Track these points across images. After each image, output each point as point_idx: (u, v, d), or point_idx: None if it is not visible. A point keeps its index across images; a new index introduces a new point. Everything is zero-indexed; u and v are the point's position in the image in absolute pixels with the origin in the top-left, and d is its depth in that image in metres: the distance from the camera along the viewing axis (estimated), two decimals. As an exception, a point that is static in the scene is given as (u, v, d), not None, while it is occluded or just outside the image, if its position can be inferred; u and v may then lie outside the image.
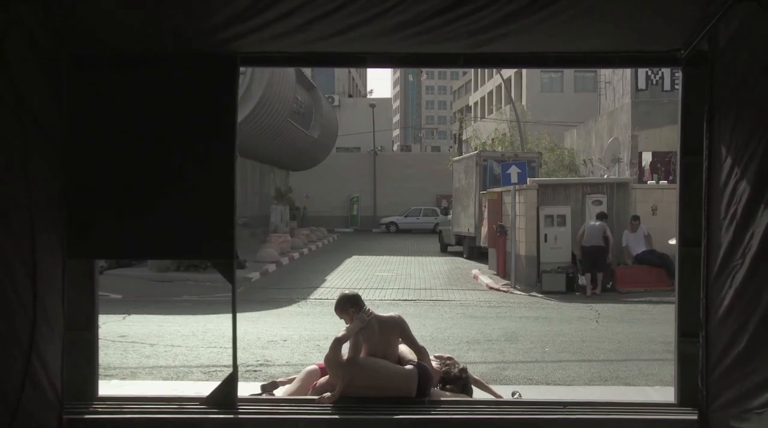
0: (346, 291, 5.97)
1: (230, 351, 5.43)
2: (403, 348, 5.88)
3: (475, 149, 32.96)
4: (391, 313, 6.03)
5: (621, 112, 32.33)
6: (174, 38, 4.96)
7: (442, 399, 5.71)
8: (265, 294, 16.51)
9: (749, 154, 4.44)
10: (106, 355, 8.71)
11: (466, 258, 25.68)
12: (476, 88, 68.59)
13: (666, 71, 31.04)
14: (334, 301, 5.96)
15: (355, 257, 26.74)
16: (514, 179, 17.28)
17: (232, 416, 5.16)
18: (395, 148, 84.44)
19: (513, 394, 6.29)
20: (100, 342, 5.68)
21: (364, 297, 5.98)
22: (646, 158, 29.41)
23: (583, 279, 16.53)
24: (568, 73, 47.82)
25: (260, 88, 23.94)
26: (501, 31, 4.82)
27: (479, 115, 62.72)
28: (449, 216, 29.49)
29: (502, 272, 18.98)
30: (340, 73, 63.43)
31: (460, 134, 56.95)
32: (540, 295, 16.18)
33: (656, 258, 16.44)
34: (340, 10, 4.49)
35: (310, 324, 12.34)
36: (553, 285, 16.32)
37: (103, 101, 5.10)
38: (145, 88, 5.12)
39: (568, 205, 17.62)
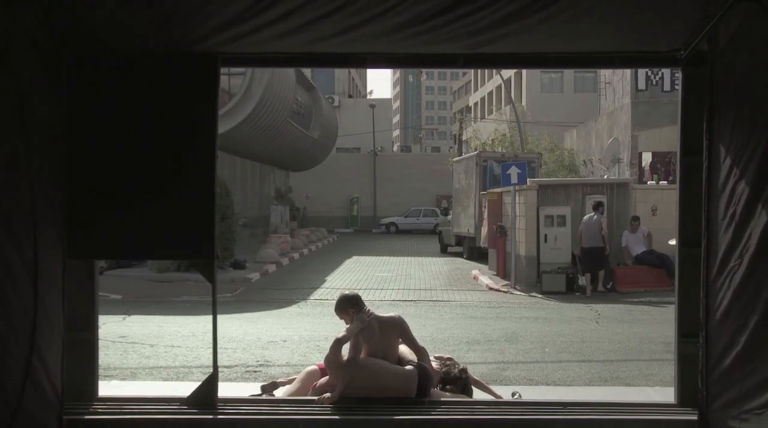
0: (347, 292, 5.97)
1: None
2: (403, 349, 5.88)
3: (475, 150, 32.96)
4: (392, 314, 6.02)
5: (621, 112, 32.34)
6: (164, 40, 4.97)
7: (442, 399, 5.70)
8: (265, 295, 16.51)
9: (748, 154, 4.44)
10: (106, 356, 8.72)
11: (466, 258, 25.68)
12: (476, 89, 68.61)
13: (666, 71, 31.05)
14: (335, 302, 5.96)
15: (355, 257, 26.74)
16: (514, 179, 17.28)
17: (211, 416, 5.15)
18: (395, 148, 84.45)
19: (513, 395, 6.29)
20: (100, 343, 5.68)
21: (364, 297, 5.98)
22: (646, 158, 29.42)
23: (583, 280, 16.54)
24: (568, 74, 47.84)
25: (260, 89, 23.96)
26: (501, 32, 4.82)
27: (479, 116, 62.73)
28: (449, 217, 29.49)
29: (502, 272, 18.98)
30: (340, 74, 63.44)
31: (460, 135, 56.96)
32: (540, 296, 16.18)
33: (656, 259, 16.44)
34: (340, 11, 4.49)
35: (310, 325, 12.34)
36: (553, 285, 16.32)
37: (100, 102, 5.11)
38: (134, 89, 5.15)
39: (568, 206, 17.62)
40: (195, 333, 11.36)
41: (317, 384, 5.77)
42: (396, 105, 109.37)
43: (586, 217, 16.48)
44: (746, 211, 4.45)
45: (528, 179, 17.88)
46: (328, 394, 5.49)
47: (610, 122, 33.52)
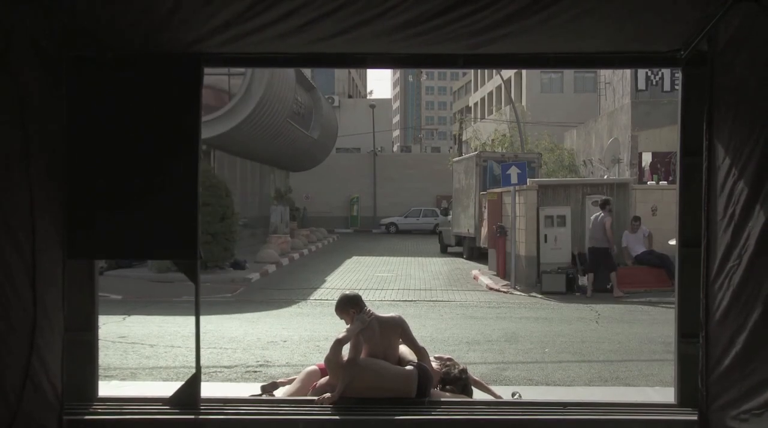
0: (347, 292, 5.97)
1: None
2: (403, 349, 5.88)
3: (475, 150, 32.97)
4: (392, 314, 6.02)
5: (621, 112, 32.34)
6: (162, 40, 4.97)
7: (442, 399, 5.71)
8: (265, 295, 16.51)
9: (747, 154, 4.44)
10: (106, 356, 8.72)
11: (466, 258, 25.68)
12: (476, 89, 68.62)
13: (666, 72, 31.06)
14: (335, 302, 5.96)
15: (355, 258, 26.74)
16: (514, 180, 17.28)
17: (192, 417, 5.16)
18: (395, 148, 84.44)
19: (513, 395, 6.29)
20: (100, 343, 5.69)
21: (364, 297, 5.98)
22: (646, 158, 29.41)
23: (583, 280, 16.54)
24: (568, 74, 47.85)
25: (260, 89, 23.96)
26: (501, 32, 4.82)
27: (479, 116, 62.73)
28: (449, 217, 29.49)
29: (502, 273, 18.98)
30: (340, 74, 63.45)
31: (460, 135, 56.97)
32: (540, 296, 16.18)
33: (656, 259, 16.44)
34: (340, 11, 4.49)
35: (310, 325, 12.34)
36: (553, 285, 16.31)
37: (100, 102, 5.12)
38: (125, 89, 5.17)
39: (568, 206, 17.62)
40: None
41: (317, 385, 5.77)
42: (396, 105, 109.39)
43: (593, 216, 16.44)
44: (745, 210, 4.46)
45: (528, 179, 17.88)
46: (328, 394, 5.49)
47: (610, 122, 33.53)
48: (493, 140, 39.96)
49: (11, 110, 4.22)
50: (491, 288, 17.69)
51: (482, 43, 5.07)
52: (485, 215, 22.04)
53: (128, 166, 5.15)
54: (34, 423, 4.46)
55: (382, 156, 53.28)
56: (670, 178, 22.78)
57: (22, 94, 4.30)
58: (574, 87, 49.03)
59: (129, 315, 13.08)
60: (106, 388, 5.85)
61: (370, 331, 5.66)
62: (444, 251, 29.40)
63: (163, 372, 8.91)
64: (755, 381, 4.37)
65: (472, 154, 28.16)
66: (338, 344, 5.61)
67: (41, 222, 4.50)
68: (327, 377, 5.76)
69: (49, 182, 4.76)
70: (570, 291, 16.22)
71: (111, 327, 11.34)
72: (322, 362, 5.91)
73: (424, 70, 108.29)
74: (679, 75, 5.53)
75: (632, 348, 10.65)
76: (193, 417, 5.15)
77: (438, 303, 15.37)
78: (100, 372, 5.74)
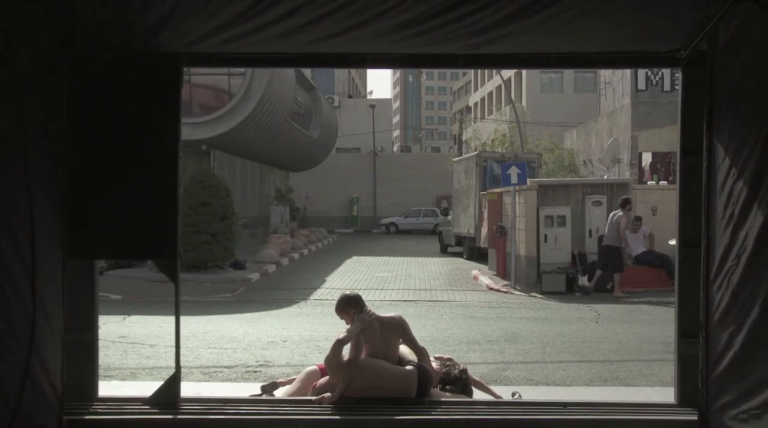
0: (347, 292, 5.97)
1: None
2: (403, 349, 5.88)
3: (475, 150, 32.97)
4: (392, 314, 6.03)
5: (621, 112, 32.35)
6: (160, 40, 4.97)
7: (442, 399, 5.71)
8: (265, 295, 16.51)
9: (747, 154, 4.44)
10: (106, 356, 8.72)
11: (466, 258, 25.68)
12: (476, 89, 68.62)
13: (666, 72, 31.06)
14: (335, 302, 5.96)
15: (355, 258, 26.74)
16: (514, 180, 17.28)
17: (172, 416, 5.15)
18: (395, 148, 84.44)
19: (513, 395, 6.29)
20: (100, 343, 5.69)
21: (364, 297, 5.98)
22: (646, 159, 29.42)
23: (583, 280, 16.55)
24: (568, 74, 47.86)
25: (260, 89, 23.97)
26: (501, 32, 4.83)
27: (479, 116, 62.73)
28: (449, 217, 29.50)
29: (502, 273, 18.98)
30: (340, 74, 63.46)
31: (460, 135, 56.98)
32: (540, 296, 16.17)
33: (656, 259, 16.43)
34: (340, 11, 4.49)
35: (310, 325, 12.34)
36: (553, 285, 16.31)
37: (99, 101, 5.12)
38: (124, 89, 5.18)
39: (568, 206, 17.62)
40: (195, 333, 11.35)
41: (317, 384, 5.77)
42: (396, 105, 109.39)
43: (611, 214, 16.33)
44: (744, 210, 4.46)
45: (528, 179, 17.88)
46: (328, 394, 5.49)
47: (610, 122, 33.53)
48: (493, 140, 39.96)
49: (11, 110, 4.22)
50: (491, 288, 17.69)
51: (482, 43, 5.07)
52: (485, 215, 22.04)
53: (126, 166, 5.16)
54: (34, 423, 4.46)
55: (382, 156, 53.28)
56: (670, 178, 22.78)
57: (21, 93, 4.30)
58: (574, 87, 49.03)
59: (129, 315, 13.09)
60: (106, 388, 5.85)
61: (371, 331, 5.66)
62: (444, 251, 29.41)
63: (163, 372, 8.91)
64: (754, 381, 4.37)
65: (472, 154, 28.16)
66: (339, 344, 5.61)
67: (41, 223, 4.50)
68: (327, 377, 5.76)
69: (49, 182, 4.76)
70: (570, 291, 16.22)
71: (111, 327, 11.34)
72: (322, 362, 5.91)
73: (424, 70, 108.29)
74: (679, 75, 5.53)
75: (632, 348, 10.64)
76: (171, 417, 5.15)
77: (438, 303, 15.37)
78: (100, 372, 5.74)
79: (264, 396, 5.93)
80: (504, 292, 16.93)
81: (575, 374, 8.91)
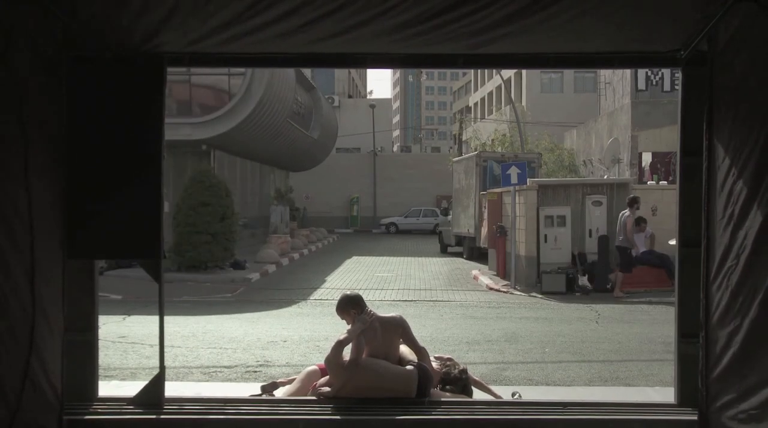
0: (348, 292, 5.96)
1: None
2: (404, 349, 5.88)
3: (475, 150, 32.97)
4: (392, 314, 6.02)
5: (621, 112, 32.35)
6: (159, 40, 4.98)
7: (442, 399, 5.71)
8: (265, 295, 16.51)
9: (746, 154, 4.44)
10: (106, 356, 8.72)
11: (466, 258, 25.68)
12: (476, 89, 68.62)
13: (666, 72, 31.06)
14: (335, 302, 5.95)
15: (355, 258, 26.74)
16: (514, 180, 17.28)
17: (154, 416, 5.16)
18: (395, 148, 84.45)
19: (513, 395, 6.29)
20: (100, 343, 5.69)
21: (364, 297, 5.97)
22: (646, 158, 29.42)
23: (583, 280, 16.56)
24: (568, 74, 47.86)
25: (260, 89, 23.97)
26: (501, 32, 4.82)
27: (479, 116, 62.74)
28: (449, 217, 29.50)
29: (502, 273, 18.98)
30: (340, 74, 63.46)
31: (460, 135, 56.97)
32: (540, 296, 16.17)
33: (656, 259, 16.42)
34: (340, 11, 4.49)
35: (310, 325, 12.34)
36: (553, 285, 16.31)
37: (97, 101, 5.13)
38: (124, 89, 5.19)
39: (568, 206, 17.62)
40: (195, 333, 11.36)
41: (317, 384, 5.77)
42: (396, 105, 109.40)
43: (620, 214, 16.24)
44: (743, 210, 4.46)
45: (528, 179, 17.88)
46: (326, 388, 5.50)
47: (610, 122, 33.53)
48: (493, 140, 39.98)
49: (10, 110, 4.22)
50: (491, 288, 17.69)
51: (482, 43, 5.07)
52: (485, 215, 22.04)
53: (120, 166, 5.17)
54: (34, 423, 4.46)
55: (382, 156, 53.28)
56: (670, 178, 22.78)
57: (21, 93, 4.30)
58: (574, 87, 49.04)
59: (129, 315, 13.08)
60: (106, 388, 5.85)
61: (372, 332, 5.66)
62: (444, 251, 29.41)
63: (163, 372, 8.91)
64: (752, 381, 4.38)
65: (472, 154, 28.16)
66: (340, 345, 5.61)
67: (40, 222, 4.50)
68: (327, 377, 5.76)
69: (49, 182, 4.76)
70: (570, 291, 16.22)
71: (111, 327, 11.34)
72: (322, 362, 5.91)
73: (424, 70, 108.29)
74: (679, 75, 5.53)
75: (632, 348, 10.64)
76: (154, 417, 5.15)
77: (438, 303, 15.37)
78: (100, 371, 5.74)
79: (264, 396, 5.93)
80: (504, 292, 16.93)
81: (575, 374, 8.91)
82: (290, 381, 6.16)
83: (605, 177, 25.86)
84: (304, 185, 43.84)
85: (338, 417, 5.29)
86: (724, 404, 4.69)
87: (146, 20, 4.69)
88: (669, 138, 25.55)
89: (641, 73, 31.62)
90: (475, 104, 67.80)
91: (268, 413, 5.30)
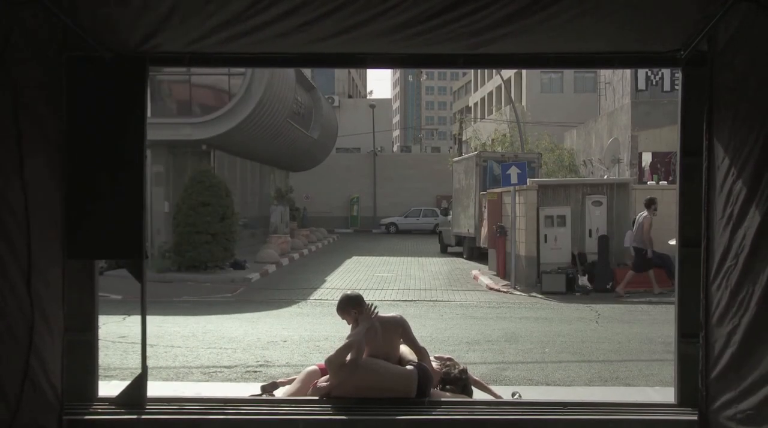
0: (348, 292, 5.96)
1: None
2: (404, 349, 5.88)
3: (475, 150, 32.98)
4: (393, 314, 6.02)
5: (621, 112, 32.35)
6: (159, 40, 4.97)
7: (442, 399, 5.70)
8: (265, 295, 16.51)
9: (746, 154, 4.44)
10: (106, 356, 8.72)
11: (466, 258, 25.68)
12: (476, 89, 68.62)
13: (666, 72, 31.07)
14: (335, 302, 5.95)
15: (355, 258, 26.74)
16: (514, 180, 17.28)
17: (135, 416, 5.16)
18: (395, 148, 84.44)
19: (513, 395, 6.29)
20: (100, 343, 5.68)
21: (364, 297, 5.97)
22: (646, 158, 29.42)
23: (583, 280, 16.55)
24: (568, 74, 47.86)
25: (260, 89, 23.95)
26: (501, 32, 4.82)
27: (479, 116, 62.74)
28: (449, 217, 29.50)
29: (502, 273, 18.98)
30: (340, 74, 63.44)
31: (460, 135, 56.98)
32: (540, 296, 16.18)
33: (656, 259, 16.41)
34: (340, 10, 4.49)
35: (310, 325, 12.34)
36: (553, 285, 16.31)
37: (96, 101, 5.14)
38: (122, 89, 5.19)
39: (568, 206, 17.62)
40: (195, 333, 11.36)
41: (317, 383, 5.77)
42: (396, 105, 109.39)
43: (637, 215, 16.16)
44: (743, 210, 4.46)
45: (528, 179, 17.88)
46: (324, 383, 5.51)
47: (610, 122, 33.53)
48: (493, 140, 39.98)
49: (9, 110, 4.22)
50: (491, 288, 17.69)
51: (482, 43, 5.06)
52: (485, 215, 22.04)
53: (112, 166, 5.18)
54: (33, 423, 4.46)
55: (382, 156, 53.27)
56: (670, 178, 22.78)
57: (20, 93, 4.29)
58: (574, 87, 49.03)
59: (129, 315, 13.08)
60: (106, 388, 5.85)
61: (373, 332, 5.66)
62: (444, 251, 29.41)
63: (163, 372, 8.91)
64: (749, 381, 4.38)
65: (472, 154, 28.16)
66: (347, 348, 5.56)
67: (38, 223, 4.49)
68: (327, 377, 5.75)
69: (48, 182, 4.75)
70: (570, 291, 16.22)
71: (111, 327, 11.34)
72: (322, 362, 5.90)
73: (424, 70, 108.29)
74: (679, 75, 5.52)
75: (632, 348, 10.65)
76: (135, 417, 5.15)
77: (438, 303, 15.37)
78: (100, 371, 5.74)
79: (264, 396, 5.93)
80: (504, 292, 16.93)
81: (575, 374, 8.91)
82: (290, 381, 6.16)
83: (605, 177, 25.86)
84: (304, 185, 43.82)
85: (338, 417, 5.29)
86: (723, 404, 4.69)
87: (146, 20, 4.69)
88: (669, 138, 25.55)
89: (641, 73, 31.62)
90: (475, 104, 67.79)
91: (268, 413, 5.30)
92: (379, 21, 4.64)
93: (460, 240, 27.40)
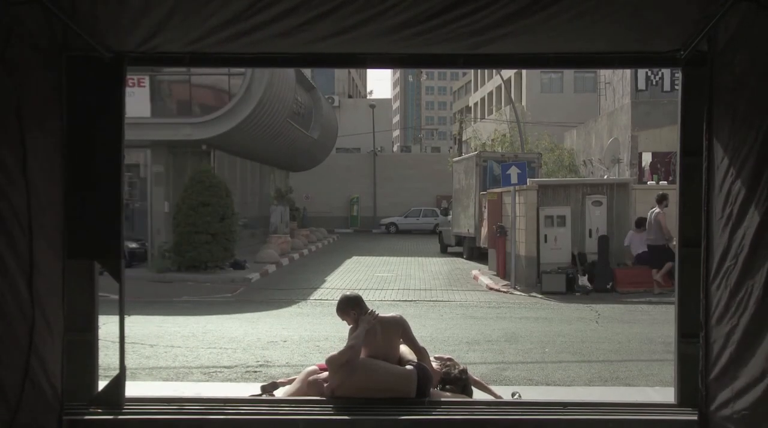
0: (347, 293, 5.96)
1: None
2: (404, 349, 5.88)
3: (475, 150, 32.98)
4: (392, 314, 6.02)
5: (621, 112, 32.35)
6: (158, 41, 4.98)
7: (441, 399, 5.70)
8: (265, 295, 16.51)
9: (745, 154, 4.44)
10: (105, 356, 8.68)
11: (466, 258, 25.68)
12: (476, 89, 68.63)
13: (666, 72, 31.07)
14: (335, 302, 5.95)
15: (355, 258, 26.74)
16: (514, 180, 17.29)
17: (112, 417, 5.16)
18: (395, 148, 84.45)
19: (513, 395, 6.29)
20: (100, 343, 5.69)
21: (364, 297, 5.97)
22: (646, 158, 29.43)
23: (583, 280, 16.56)
24: (568, 74, 47.87)
25: (260, 89, 23.95)
26: (501, 32, 4.82)
27: (479, 116, 62.74)
28: (449, 217, 29.51)
29: (502, 273, 18.98)
30: (340, 74, 63.45)
31: (460, 135, 56.98)
32: (540, 296, 16.18)
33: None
34: (339, 10, 4.49)
35: (310, 325, 12.34)
36: (553, 285, 16.32)
37: (96, 101, 5.14)
38: (121, 89, 5.19)
39: (568, 206, 17.62)
40: (195, 334, 11.36)
41: (316, 377, 5.77)
42: (396, 105, 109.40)
43: (649, 213, 16.13)
44: (742, 210, 4.46)
45: (528, 179, 17.88)
46: (323, 376, 5.51)
47: (610, 122, 33.53)
48: (493, 140, 39.96)
49: (9, 109, 4.22)
50: (491, 288, 17.69)
51: (482, 43, 5.06)
52: (485, 215, 22.04)
53: (103, 166, 5.18)
54: (33, 423, 4.46)
55: (382, 156, 53.28)
56: (670, 178, 22.78)
57: (20, 93, 4.29)
58: (574, 87, 49.04)
59: (129, 314, 13.05)
60: (105, 388, 5.85)
61: (372, 333, 5.66)
62: (444, 251, 29.41)
63: (163, 372, 8.92)
64: (745, 381, 4.39)
65: (472, 154, 28.17)
66: (349, 350, 5.57)
67: (39, 222, 4.50)
68: (326, 372, 5.75)
69: (50, 182, 4.75)
70: (570, 291, 16.23)
71: (111, 327, 11.31)
72: (322, 362, 5.90)
73: (424, 70, 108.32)
74: (679, 75, 5.52)
75: (632, 348, 10.65)
76: (112, 417, 5.14)
77: (438, 303, 15.37)
78: (100, 371, 5.74)
79: (264, 396, 5.93)
80: (504, 292, 16.94)
81: (575, 374, 8.92)
82: (290, 381, 6.16)
83: (605, 177, 25.86)
84: (304, 185, 43.82)
85: (338, 417, 5.29)
86: (721, 404, 4.70)
87: (146, 20, 4.69)
88: (669, 138, 25.55)
89: (641, 73, 31.63)
90: (475, 104, 67.80)
91: (268, 413, 5.30)
92: (378, 21, 4.64)
93: (460, 240, 27.40)
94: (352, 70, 67.14)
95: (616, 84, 34.80)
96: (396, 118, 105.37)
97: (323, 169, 44.67)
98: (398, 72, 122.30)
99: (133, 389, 7.25)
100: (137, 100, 22.03)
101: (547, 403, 5.73)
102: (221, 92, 24.72)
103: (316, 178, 45.48)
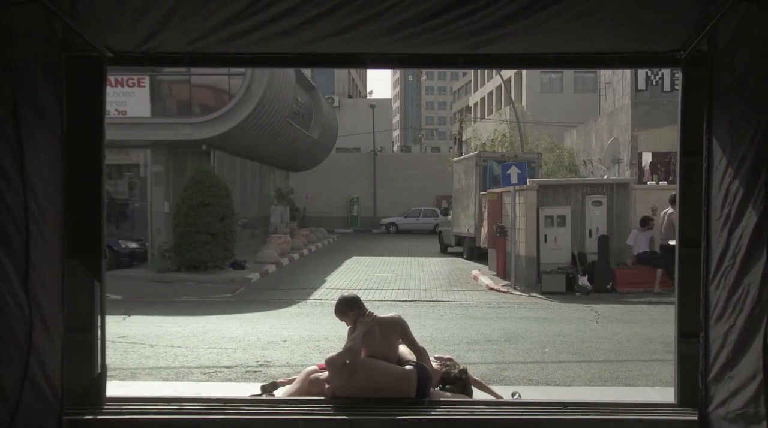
0: (346, 294, 5.96)
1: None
2: (403, 349, 5.88)
3: (475, 150, 32.98)
4: (391, 314, 6.02)
5: (621, 112, 32.36)
6: (158, 40, 4.98)
7: (441, 399, 5.70)
8: (265, 295, 16.51)
9: (743, 154, 4.44)
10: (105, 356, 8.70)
11: (466, 258, 25.69)
12: (476, 89, 68.64)
13: (666, 72, 31.08)
14: (334, 303, 5.95)
15: (355, 258, 26.75)
16: (514, 180, 17.29)
17: (112, 417, 5.16)
18: (395, 148, 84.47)
19: (513, 395, 6.29)
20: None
21: (364, 297, 5.97)
22: (646, 158, 29.43)
23: (583, 280, 16.56)
24: (568, 74, 47.90)
25: (260, 89, 23.96)
26: (501, 32, 4.82)
27: (479, 116, 62.75)
28: (449, 217, 29.51)
29: (502, 273, 18.98)
30: (340, 74, 63.46)
31: (460, 135, 56.99)
32: (540, 296, 16.18)
33: (657, 259, 16.41)
34: (338, 10, 4.49)
35: (310, 325, 12.34)
36: (553, 285, 16.32)
37: (96, 101, 5.14)
38: (100, 90, 5.22)
39: (568, 206, 17.63)
40: (195, 334, 11.36)
41: (316, 376, 5.77)
42: (396, 105, 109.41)
43: (662, 213, 16.09)
44: (740, 210, 4.46)
45: (528, 179, 17.89)
46: (324, 374, 5.50)
47: (610, 122, 33.54)
48: (493, 140, 39.97)
49: (9, 110, 4.21)
50: (491, 288, 17.69)
51: (482, 43, 5.06)
52: (485, 215, 22.05)
53: (93, 164, 5.19)
54: (33, 423, 4.45)
55: (382, 156, 53.28)
56: (670, 178, 22.78)
57: (20, 93, 4.29)
58: (574, 87, 49.07)
59: (129, 315, 13.09)
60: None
61: (370, 333, 5.66)
62: (444, 251, 29.41)
63: (163, 372, 8.92)
64: (740, 380, 4.39)
65: (472, 154, 28.17)
66: (348, 352, 5.58)
67: (37, 223, 4.49)
68: (325, 371, 5.75)
69: (49, 182, 4.75)
70: (570, 291, 16.23)
71: (111, 327, 11.31)
72: (322, 362, 5.90)
73: (424, 70, 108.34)
74: (679, 75, 5.52)
75: (632, 348, 10.65)
76: (112, 417, 5.14)
77: (438, 303, 15.37)
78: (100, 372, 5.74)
79: (264, 396, 5.93)
80: (504, 292, 16.94)
81: (575, 374, 8.92)
82: (290, 381, 6.16)
83: (605, 177, 25.86)
84: (304, 185, 43.83)
85: (338, 417, 5.29)
86: (719, 403, 4.70)
87: (146, 20, 4.69)
88: (669, 138, 25.56)
89: (641, 73, 31.64)
90: (475, 104, 67.82)
91: (268, 413, 5.30)
92: (378, 20, 4.64)
93: (460, 240, 27.41)
94: (352, 70, 67.14)
95: (616, 84, 34.80)
96: (396, 118, 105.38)
97: (323, 169, 44.68)
98: (398, 72, 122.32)
99: (133, 389, 7.28)
100: (137, 100, 22.06)
101: (547, 403, 5.73)
102: (221, 92, 24.72)
103: (316, 178, 45.49)
